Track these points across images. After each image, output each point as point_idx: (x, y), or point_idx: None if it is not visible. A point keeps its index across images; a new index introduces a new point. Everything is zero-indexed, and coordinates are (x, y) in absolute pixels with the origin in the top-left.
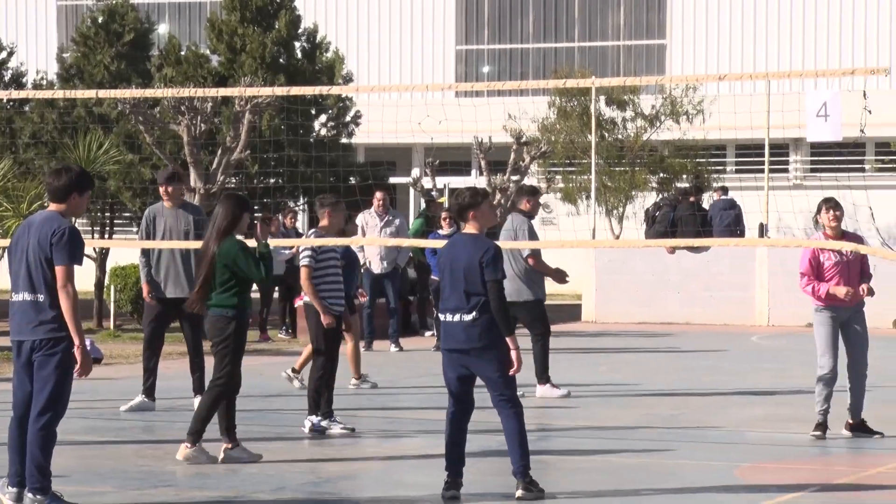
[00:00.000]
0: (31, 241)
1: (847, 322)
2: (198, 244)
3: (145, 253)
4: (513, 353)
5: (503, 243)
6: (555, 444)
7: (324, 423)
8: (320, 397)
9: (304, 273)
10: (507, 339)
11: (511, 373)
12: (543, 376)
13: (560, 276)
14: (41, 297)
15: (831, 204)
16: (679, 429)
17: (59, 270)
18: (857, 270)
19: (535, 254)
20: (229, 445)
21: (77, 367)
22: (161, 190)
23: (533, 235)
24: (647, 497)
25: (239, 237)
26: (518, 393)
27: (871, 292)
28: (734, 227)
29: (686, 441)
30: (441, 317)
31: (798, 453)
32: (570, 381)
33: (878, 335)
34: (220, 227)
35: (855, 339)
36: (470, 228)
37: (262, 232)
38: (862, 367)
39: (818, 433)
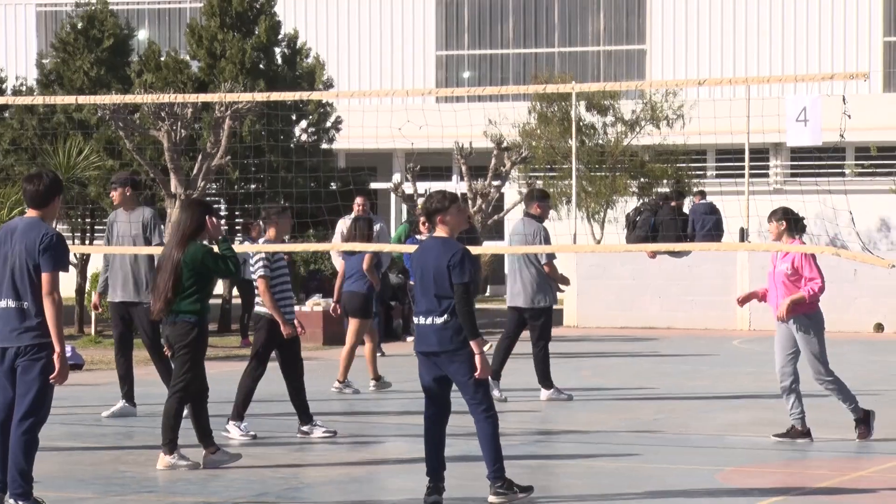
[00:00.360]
0: (16, 247)
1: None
2: (151, 249)
3: (105, 259)
4: (477, 358)
5: (514, 248)
6: (537, 449)
7: (243, 429)
8: (248, 405)
9: (262, 284)
10: (472, 343)
11: (477, 376)
12: (547, 381)
13: (566, 282)
14: (26, 304)
15: (770, 216)
16: (661, 433)
17: (45, 277)
18: (780, 282)
19: (552, 260)
20: (210, 450)
21: (55, 374)
22: None
23: (548, 241)
24: (628, 501)
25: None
26: (501, 397)
27: (786, 310)
28: (715, 231)
29: (668, 445)
30: (414, 319)
31: (780, 457)
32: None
33: (860, 339)
34: (184, 232)
35: (802, 350)
36: (440, 232)
37: (213, 229)
38: (815, 376)
39: (778, 436)
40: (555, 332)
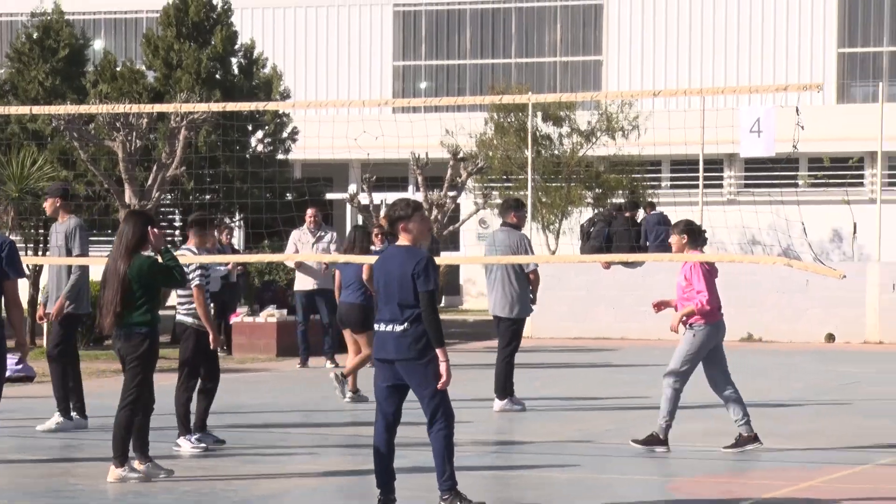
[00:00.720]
0: None
1: None
2: (83, 260)
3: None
4: (442, 366)
5: (497, 258)
6: (490, 460)
7: (194, 441)
8: (189, 417)
9: (199, 293)
10: (438, 351)
11: (440, 386)
12: (503, 392)
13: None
14: None
15: (672, 228)
16: (613, 443)
17: (13, 284)
18: (678, 293)
19: (537, 268)
20: (142, 461)
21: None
22: None
23: (532, 250)
24: None
25: (146, 253)
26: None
27: (677, 325)
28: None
29: (620, 455)
30: (375, 327)
31: (730, 467)
32: None
33: (812, 349)
34: (128, 245)
35: (678, 347)
36: (403, 240)
37: (156, 239)
38: (667, 370)
39: (729, 448)
40: None
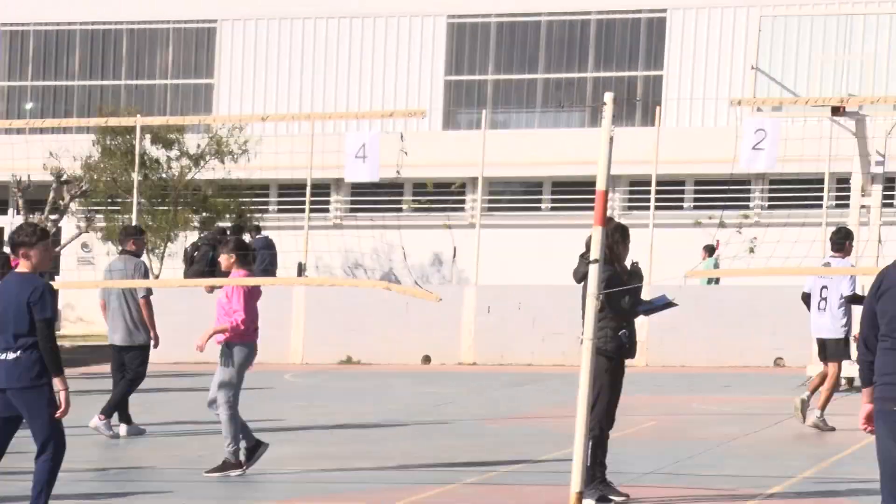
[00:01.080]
0: None
1: None
2: None
3: None
4: (61, 394)
5: (114, 282)
6: (84, 487)
7: None
8: None
9: None
10: (56, 380)
11: (57, 415)
12: (109, 412)
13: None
14: None
15: (220, 247)
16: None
17: None
18: (219, 313)
19: (149, 296)
20: None
21: None
22: None
23: (147, 276)
24: None
25: None
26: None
27: (205, 341)
28: (270, 266)
29: (212, 482)
30: None
31: (323, 490)
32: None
33: (409, 371)
34: None
35: (217, 374)
36: (22, 267)
37: None
38: (220, 400)
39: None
40: (105, 368)
